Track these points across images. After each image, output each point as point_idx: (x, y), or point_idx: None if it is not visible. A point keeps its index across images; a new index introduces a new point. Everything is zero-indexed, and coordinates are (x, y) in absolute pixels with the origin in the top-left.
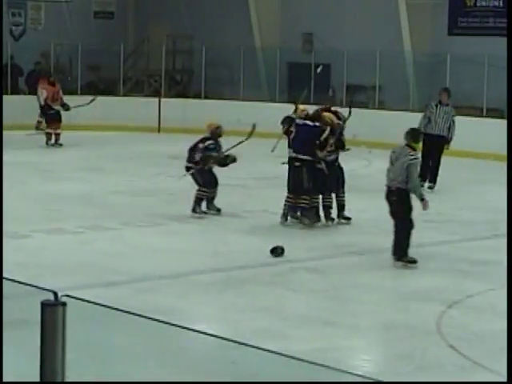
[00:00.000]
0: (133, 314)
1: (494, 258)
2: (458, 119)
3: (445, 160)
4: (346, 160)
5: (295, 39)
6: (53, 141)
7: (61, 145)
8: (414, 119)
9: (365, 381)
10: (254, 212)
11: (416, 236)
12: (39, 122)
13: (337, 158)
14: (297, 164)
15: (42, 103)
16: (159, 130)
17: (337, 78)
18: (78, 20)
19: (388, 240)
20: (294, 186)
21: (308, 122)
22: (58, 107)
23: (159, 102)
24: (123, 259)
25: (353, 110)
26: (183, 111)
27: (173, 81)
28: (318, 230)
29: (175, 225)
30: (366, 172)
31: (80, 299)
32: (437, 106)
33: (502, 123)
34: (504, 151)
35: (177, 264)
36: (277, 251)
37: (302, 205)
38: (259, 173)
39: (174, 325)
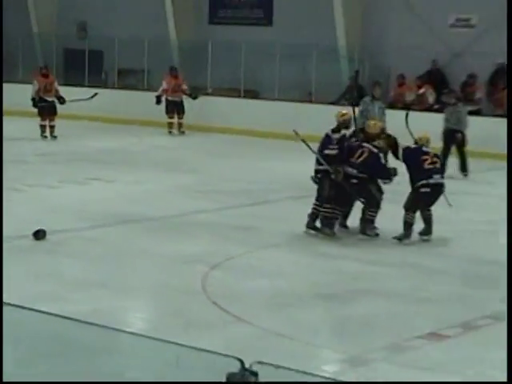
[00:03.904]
0: None
1: (253, 224)
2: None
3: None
4: (119, 137)
5: (70, 27)
6: (47, 133)
7: (55, 137)
8: None
9: None
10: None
11: (184, 205)
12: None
13: None
14: None
15: (33, 95)
16: None
17: (109, 63)
18: None
19: (157, 209)
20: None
21: None
22: (52, 99)
23: None
24: None
25: (125, 92)
26: None
27: None
28: (96, 201)
29: None
30: (137, 149)
31: None
32: (372, 101)
33: (257, 103)
34: (259, 127)
35: None
36: (39, 234)
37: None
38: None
39: None
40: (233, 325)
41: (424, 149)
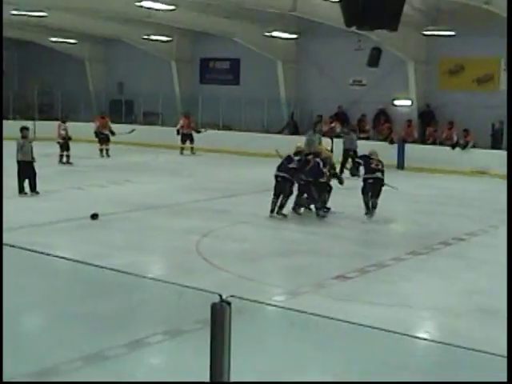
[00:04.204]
0: None
1: (229, 208)
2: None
3: None
4: (143, 155)
5: (114, 85)
6: (104, 154)
7: (109, 156)
8: None
9: None
10: None
11: (183, 197)
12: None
13: None
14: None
15: (95, 130)
16: None
17: (137, 108)
18: None
19: (166, 200)
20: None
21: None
22: (107, 132)
23: None
24: None
25: (148, 127)
26: None
27: None
28: (128, 195)
29: None
30: (153, 162)
31: None
32: (314, 133)
33: (231, 133)
34: (232, 148)
35: None
36: (94, 216)
37: None
38: None
39: None
40: (216, 272)
41: (371, 156)
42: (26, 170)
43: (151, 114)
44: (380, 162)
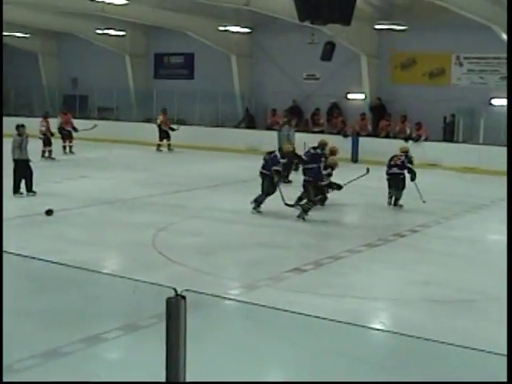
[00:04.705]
0: None
1: (183, 203)
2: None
3: None
4: (98, 150)
5: (67, 80)
6: (67, 150)
7: (73, 152)
8: None
9: None
10: None
11: (138, 192)
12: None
13: None
14: None
15: (58, 126)
16: None
17: (92, 103)
18: None
19: (121, 195)
20: None
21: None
22: (70, 128)
23: None
24: None
25: (102, 121)
26: None
27: None
28: (83, 191)
29: None
30: (108, 157)
31: None
32: (289, 129)
33: (185, 127)
34: (186, 143)
35: None
36: (49, 212)
37: None
38: None
39: None
40: (171, 266)
41: (397, 154)
42: (23, 169)
43: (105, 109)
44: (401, 157)
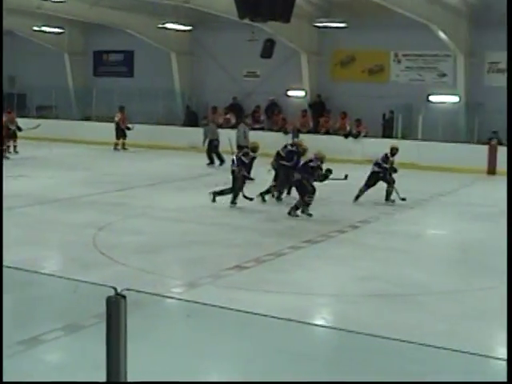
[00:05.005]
0: None
1: (123, 201)
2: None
3: None
4: (39, 149)
5: (4, 79)
6: (12, 150)
7: (17, 152)
8: None
9: None
10: None
11: (78, 191)
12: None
13: None
14: None
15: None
16: None
17: (30, 101)
18: None
19: (62, 194)
20: None
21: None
22: (14, 127)
23: None
24: None
25: (41, 120)
26: None
27: None
28: (24, 189)
29: None
30: (49, 156)
31: None
32: (246, 126)
33: None
34: (128, 141)
35: None
36: None
37: None
38: None
39: None
40: (113, 265)
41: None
42: None
43: (44, 108)
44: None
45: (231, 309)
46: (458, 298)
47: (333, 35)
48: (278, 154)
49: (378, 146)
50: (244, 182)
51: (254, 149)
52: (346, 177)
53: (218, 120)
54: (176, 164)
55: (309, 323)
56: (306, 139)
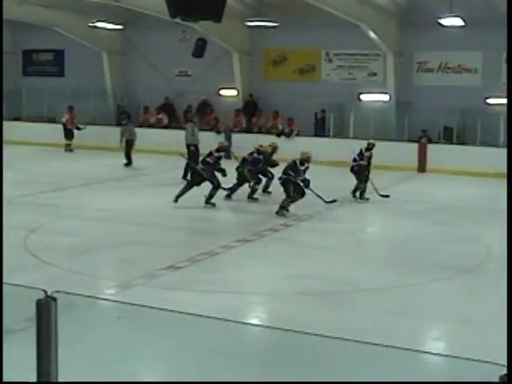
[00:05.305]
0: None
1: (57, 202)
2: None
3: None
4: None
5: None
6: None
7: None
8: None
9: None
10: None
11: (10, 192)
12: None
13: None
14: None
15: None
16: None
17: None
18: None
19: None
20: None
21: None
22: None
23: None
24: None
25: None
26: None
27: None
28: None
29: None
30: None
31: None
32: (195, 126)
33: (56, 126)
34: (58, 141)
35: None
36: None
37: None
38: None
39: None
40: (44, 267)
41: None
42: None
43: None
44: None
45: (164, 309)
46: (388, 294)
47: (264, 35)
48: (244, 160)
49: (311, 145)
50: (214, 176)
51: (219, 149)
52: (333, 201)
53: (150, 120)
54: (109, 164)
55: (243, 322)
56: (238, 138)
